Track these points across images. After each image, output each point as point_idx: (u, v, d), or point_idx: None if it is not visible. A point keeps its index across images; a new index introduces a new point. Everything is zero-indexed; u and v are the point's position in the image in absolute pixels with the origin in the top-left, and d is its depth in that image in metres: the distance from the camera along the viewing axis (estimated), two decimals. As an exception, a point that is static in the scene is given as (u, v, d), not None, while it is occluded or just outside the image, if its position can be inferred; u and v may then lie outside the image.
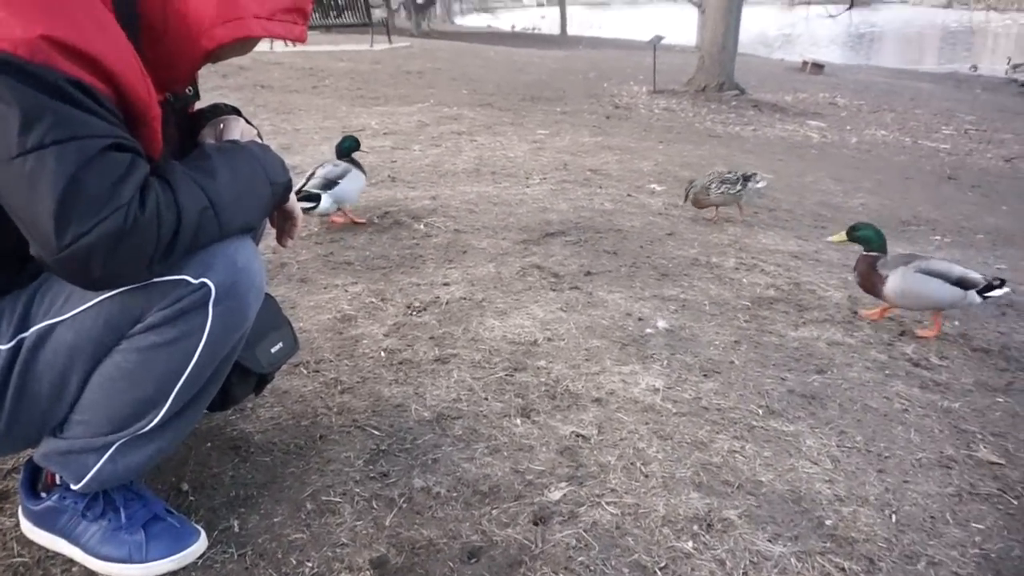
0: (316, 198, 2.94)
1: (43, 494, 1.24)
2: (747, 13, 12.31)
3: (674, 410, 1.83)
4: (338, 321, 2.28)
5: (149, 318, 1.06)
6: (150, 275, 1.01)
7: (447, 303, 2.44)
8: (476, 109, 7.64)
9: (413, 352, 2.09)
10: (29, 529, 1.26)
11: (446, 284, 2.62)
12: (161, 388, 1.11)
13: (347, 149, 3.19)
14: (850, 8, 12.75)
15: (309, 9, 1.14)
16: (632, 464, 1.60)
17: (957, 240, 4.28)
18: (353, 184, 3.07)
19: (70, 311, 1.05)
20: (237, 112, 1.35)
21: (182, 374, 1.11)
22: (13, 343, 1.05)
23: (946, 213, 5.13)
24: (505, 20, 42.01)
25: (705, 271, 2.93)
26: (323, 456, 1.58)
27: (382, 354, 2.07)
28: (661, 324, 2.35)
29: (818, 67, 16.89)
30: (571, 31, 36.41)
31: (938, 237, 4.27)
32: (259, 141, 1.25)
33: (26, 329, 1.06)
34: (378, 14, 15.69)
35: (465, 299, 2.48)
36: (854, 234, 2.46)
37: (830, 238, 2.64)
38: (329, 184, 2.98)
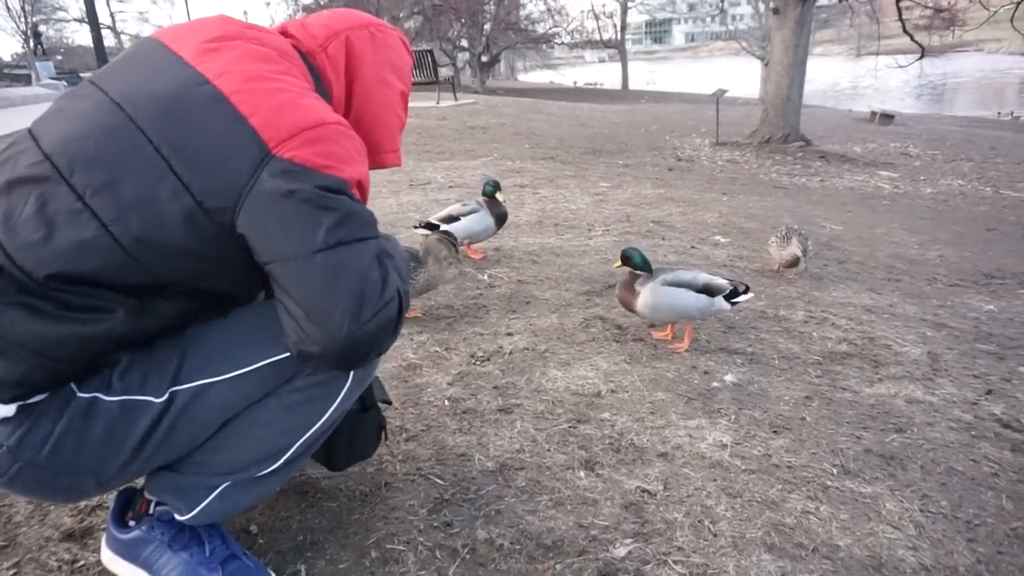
0: (434, 228, 3.21)
1: (131, 523, 1.28)
2: (812, 65, 12.25)
3: (743, 467, 1.78)
4: (403, 369, 2.32)
5: (298, 380, 1.16)
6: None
7: (510, 353, 2.45)
8: (539, 163, 7.78)
9: (477, 401, 2.10)
10: (111, 559, 1.30)
11: (509, 334, 2.64)
12: (288, 440, 1.19)
13: (489, 191, 3.45)
14: (921, 57, 12.49)
15: None
16: (700, 522, 1.55)
17: (1046, 294, 4.05)
18: (473, 223, 3.33)
19: (232, 371, 1.12)
20: None
21: (311, 428, 1.19)
22: (166, 396, 1.09)
23: (1033, 266, 4.87)
24: (567, 76, 42.96)
25: (773, 324, 2.86)
26: (388, 503, 1.59)
27: (446, 403, 2.09)
28: (728, 378, 2.29)
29: (887, 117, 16.56)
30: (633, 86, 36.94)
31: (1025, 291, 4.05)
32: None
33: (180, 383, 1.10)
34: (444, 72, 16.30)
35: (528, 349, 2.49)
36: (623, 255, 2.52)
37: (614, 266, 2.65)
38: (450, 219, 3.28)
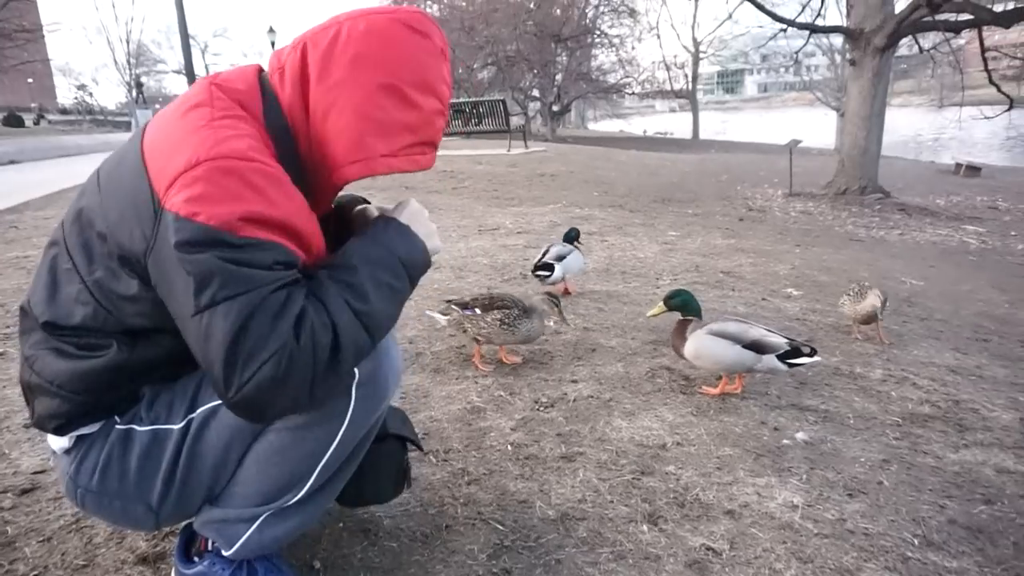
0: (551, 268, 3.71)
1: (195, 559, 1.33)
2: (891, 115, 11.95)
3: (815, 530, 1.70)
4: (467, 412, 2.34)
5: None
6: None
7: (574, 400, 2.44)
8: (607, 210, 7.80)
9: (539, 448, 2.09)
10: (180, 593, 1.35)
11: (574, 381, 2.62)
12: (308, 464, 1.21)
13: (571, 237, 3.99)
14: (1009, 109, 11.99)
15: (439, 139, 1.19)
16: (768, 586, 1.48)
17: None
18: (575, 260, 3.87)
19: None
20: (365, 201, 1.43)
21: (326, 452, 1.21)
22: (184, 423, 1.18)
23: None
24: (637, 125, 43.22)
25: (848, 381, 2.75)
26: (448, 547, 1.59)
27: (509, 448, 2.09)
28: (799, 436, 2.21)
29: (974, 169, 15.95)
30: (703, 135, 36.83)
31: None
32: (401, 223, 1.22)
33: (195, 410, 1.18)
34: (516, 121, 16.69)
35: (592, 397, 2.47)
36: (670, 303, 2.54)
37: (649, 312, 2.67)
38: (560, 258, 3.78)
